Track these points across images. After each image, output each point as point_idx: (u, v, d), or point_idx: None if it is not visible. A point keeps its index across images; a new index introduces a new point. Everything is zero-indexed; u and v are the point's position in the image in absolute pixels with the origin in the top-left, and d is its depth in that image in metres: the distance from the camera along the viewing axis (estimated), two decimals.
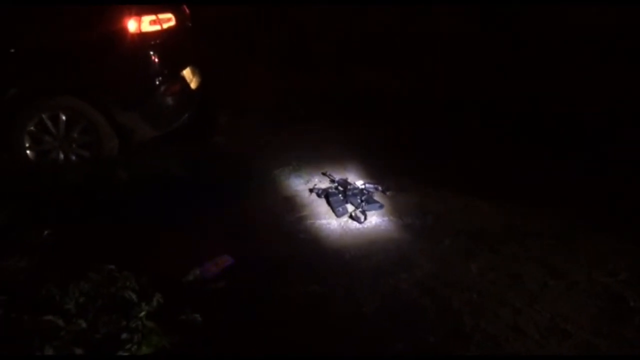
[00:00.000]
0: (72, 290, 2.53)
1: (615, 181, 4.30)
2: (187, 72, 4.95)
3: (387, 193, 4.00)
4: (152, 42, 4.29)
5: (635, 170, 4.39)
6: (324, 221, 3.64)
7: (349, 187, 3.98)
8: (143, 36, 4.19)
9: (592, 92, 5.98)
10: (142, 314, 2.46)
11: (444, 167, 4.63)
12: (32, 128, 4.13)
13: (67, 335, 2.23)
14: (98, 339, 2.27)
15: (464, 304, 2.75)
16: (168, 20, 4.57)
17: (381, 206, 3.77)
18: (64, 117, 4.16)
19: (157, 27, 4.33)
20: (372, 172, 4.39)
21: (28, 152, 4.18)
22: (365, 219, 3.62)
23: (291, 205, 3.87)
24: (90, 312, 2.43)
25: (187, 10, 5.43)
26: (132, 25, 4.09)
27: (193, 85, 5.06)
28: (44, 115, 4.13)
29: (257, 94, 6.65)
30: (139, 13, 4.14)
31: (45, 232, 3.31)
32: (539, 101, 6.11)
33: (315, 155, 4.78)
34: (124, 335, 2.29)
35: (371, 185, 4.05)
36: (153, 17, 4.29)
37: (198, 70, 5.36)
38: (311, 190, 4.04)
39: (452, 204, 3.90)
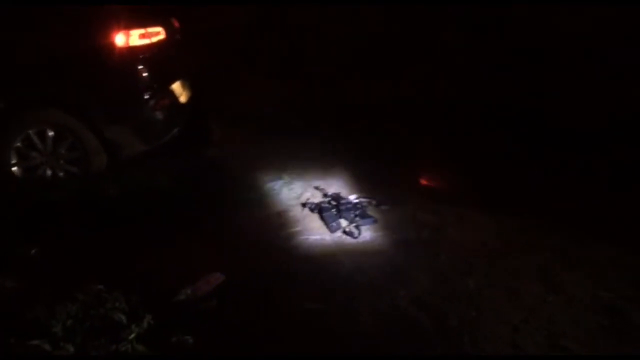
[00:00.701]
0: (60, 312, 2.47)
1: (615, 191, 4.28)
2: (176, 86, 4.91)
3: (381, 207, 3.95)
4: (141, 56, 4.23)
5: (635, 179, 4.39)
6: (317, 237, 3.58)
7: (342, 201, 3.94)
8: (132, 50, 4.14)
9: (590, 100, 5.99)
10: (132, 336, 2.40)
11: (440, 179, 4.60)
12: (18, 144, 4.06)
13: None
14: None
15: (462, 321, 2.70)
16: (157, 34, 4.53)
17: (375, 220, 3.72)
18: (51, 133, 4.09)
19: (146, 41, 4.29)
20: (365, 185, 4.35)
21: (15, 168, 4.10)
22: (359, 233, 3.57)
23: (284, 220, 3.82)
24: (79, 336, 2.36)
25: (177, 24, 5.39)
26: (120, 39, 4.03)
27: (183, 99, 5.02)
28: (30, 131, 4.06)
29: (252, 105, 6.63)
30: (128, 27, 4.09)
31: (33, 250, 3.23)
32: (535, 110, 6.11)
33: (309, 168, 4.74)
34: None
35: (365, 199, 4.01)
36: (142, 30, 4.25)
37: (188, 83, 5.32)
38: (304, 205, 3.99)
39: (448, 217, 3.86)
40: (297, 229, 3.70)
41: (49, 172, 4.17)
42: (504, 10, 7.34)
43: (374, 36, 8.18)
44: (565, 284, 3.05)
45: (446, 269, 3.20)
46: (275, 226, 3.73)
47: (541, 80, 6.50)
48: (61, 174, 4.20)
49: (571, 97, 6.09)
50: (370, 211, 3.88)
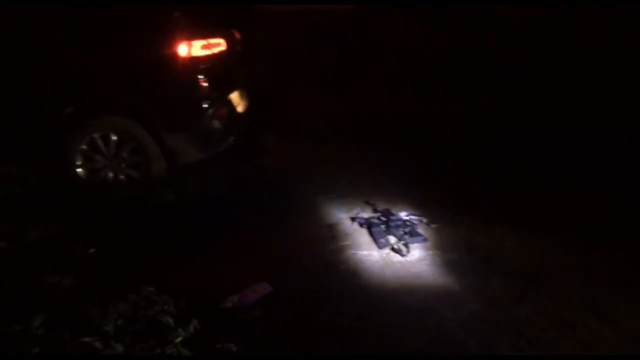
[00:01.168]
0: (112, 311, 2.54)
1: None
2: (234, 96, 5.01)
3: (432, 226, 3.87)
4: (202, 66, 4.34)
5: None
6: (365, 252, 3.55)
7: (391, 217, 3.88)
8: (193, 60, 4.25)
9: None
10: (178, 340, 2.44)
11: (495, 200, 4.44)
12: (84, 147, 4.24)
13: (103, 359, 2.22)
14: None
15: (512, 351, 2.59)
16: (218, 45, 4.64)
17: (425, 239, 3.65)
18: (114, 137, 4.25)
19: (207, 52, 4.40)
20: (416, 203, 4.27)
21: (79, 169, 4.29)
22: (408, 252, 3.51)
23: (333, 234, 3.80)
24: (128, 336, 2.42)
25: (238, 35, 5.51)
26: (183, 49, 4.15)
27: (240, 108, 5.12)
28: (95, 135, 4.23)
29: (306, 117, 6.68)
30: (191, 37, 4.21)
31: (91, 250, 3.35)
32: (594, 128, 5.86)
33: (360, 183, 4.71)
34: None
35: (415, 217, 3.94)
36: (204, 41, 4.36)
37: (246, 93, 5.41)
38: (353, 219, 3.97)
39: (504, 240, 3.72)
40: (346, 243, 3.67)
41: (110, 175, 4.34)
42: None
43: (436, 51, 8.12)
44: (628, 318, 2.87)
45: (498, 294, 3.08)
46: (323, 239, 3.72)
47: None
48: (122, 177, 4.35)
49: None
50: (421, 229, 3.80)
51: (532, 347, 2.62)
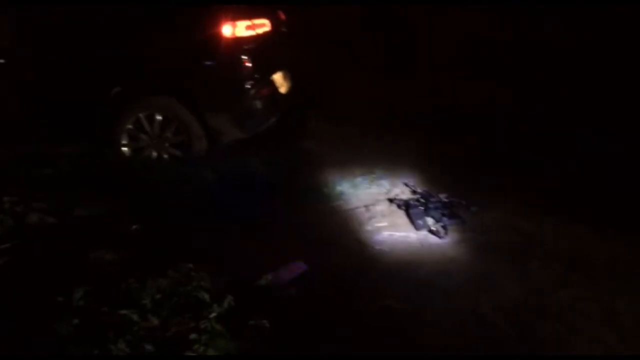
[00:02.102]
0: (150, 285, 2.59)
1: None
2: (278, 77, 4.98)
3: (472, 208, 3.76)
4: (246, 47, 4.34)
5: None
6: (402, 233, 3.49)
7: (430, 199, 3.80)
8: (237, 41, 4.26)
9: None
10: (213, 315, 2.46)
11: (538, 185, 4.25)
12: (130, 126, 4.33)
13: (139, 330, 2.27)
14: (168, 337, 2.29)
15: (549, 334, 2.50)
16: (263, 25, 4.63)
17: (464, 221, 3.56)
18: (159, 117, 4.32)
19: (251, 32, 4.39)
20: (457, 186, 4.14)
21: (125, 148, 4.39)
22: (445, 234, 3.43)
23: (370, 214, 3.76)
24: (165, 309, 2.47)
25: (283, 16, 5.47)
26: (227, 30, 4.16)
27: (283, 89, 5.09)
28: (141, 115, 4.31)
29: (350, 101, 6.57)
30: (235, 18, 4.21)
31: (134, 227, 3.43)
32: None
33: (400, 166, 4.62)
34: (193, 336, 2.28)
35: (454, 199, 3.83)
36: (248, 22, 4.35)
37: (290, 75, 5.38)
38: (391, 200, 3.91)
39: (545, 224, 3.58)
40: (383, 224, 3.62)
41: (154, 154, 4.42)
42: None
43: (494, 41, 7.78)
44: None
45: (537, 279, 2.97)
46: (361, 220, 3.69)
47: None
48: (165, 156, 4.43)
49: None
50: (460, 212, 3.70)
51: (572, 332, 2.52)
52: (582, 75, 6.48)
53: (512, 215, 3.71)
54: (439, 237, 3.41)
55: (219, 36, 4.15)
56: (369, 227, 3.58)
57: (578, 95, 6.16)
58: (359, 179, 4.35)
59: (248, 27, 4.35)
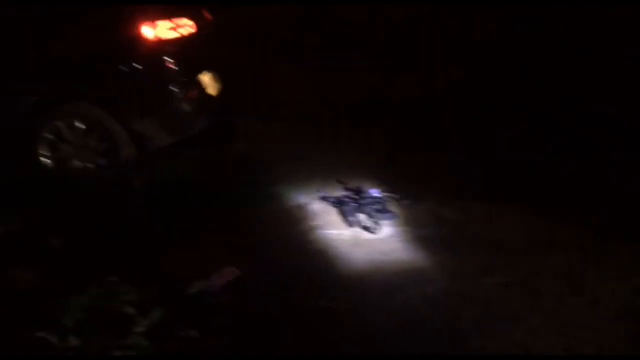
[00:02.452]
0: (72, 304, 2.49)
1: None
2: (206, 79, 4.88)
3: (403, 202, 3.84)
4: (169, 49, 4.23)
5: None
6: (335, 231, 3.51)
7: (363, 195, 3.84)
8: (160, 42, 4.14)
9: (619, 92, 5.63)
10: (139, 330, 2.39)
11: (467, 173, 4.38)
12: (49, 136, 4.13)
13: (59, 353, 2.17)
14: (90, 357, 2.20)
15: (475, 322, 2.57)
16: (187, 26, 4.50)
17: (396, 216, 3.62)
18: (80, 125, 4.14)
19: (174, 34, 4.28)
20: (389, 180, 4.20)
21: (45, 159, 4.17)
22: (378, 229, 3.48)
23: (303, 214, 3.77)
24: (87, 328, 2.37)
25: (210, 16, 5.36)
26: (148, 31, 4.04)
27: (213, 91, 4.99)
28: (61, 123, 4.12)
29: (283, 100, 6.54)
30: (156, 19, 4.10)
31: (56, 241, 3.28)
32: (562, 101, 5.80)
33: (333, 162, 4.64)
34: (117, 353, 2.21)
35: (387, 194, 3.89)
36: (170, 23, 4.24)
37: (220, 76, 5.29)
38: (324, 199, 3.92)
39: (472, 213, 3.71)
40: (316, 223, 3.64)
41: (77, 164, 4.23)
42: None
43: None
44: (590, 285, 2.86)
45: (465, 267, 3.06)
46: (294, 220, 3.69)
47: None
48: (90, 165, 4.25)
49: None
50: (392, 206, 3.76)
51: (496, 317, 2.61)
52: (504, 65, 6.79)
53: (442, 206, 3.81)
54: (372, 233, 3.45)
55: (139, 38, 4.03)
56: (302, 228, 3.58)
57: (505, 82, 6.42)
58: (292, 179, 4.33)
59: (171, 28, 4.24)
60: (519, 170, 4.44)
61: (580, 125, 5.26)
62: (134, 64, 4.11)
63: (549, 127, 5.34)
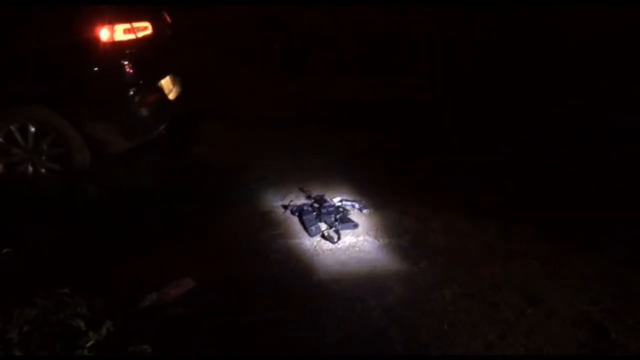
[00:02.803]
0: (17, 317, 2.40)
1: (608, 194, 4.17)
2: (165, 82, 4.83)
3: (364, 211, 3.86)
4: (127, 52, 4.19)
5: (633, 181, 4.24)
6: (296, 241, 3.50)
7: (324, 204, 3.83)
8: (116, 45, 4.08)
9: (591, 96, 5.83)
10: (89, 344, 2.33)
11: (427, 182, 4.48)
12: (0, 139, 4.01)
13: None
14: None
15: (433, 335, 2.59)
16: (144, 28, 4.46)
17: (356, 225, 3.62)
18: (33, 129, 4.04)
19: (131, 36, 4.22)
20: (352, 188, 4.25)
21: None
22: (338, 239, 3.48)
23: (264, 223, 3.74)
24: (34, 342, 2.30)
25: (168, 18, 5.31)
26: (104, 34, 3.97)
27: (172, 95, 4.94)
28: (12, 127, 4.01)
29: (245, 103, 6.52)
30: (112, 21, 4.03)
31: (4, 250, 3.18)
32: (529, 107, 5.97)
33: (297, 169, 4.64)
34: None
35: (348, 202, 3.91)
36: (127, 25, 4.17)
37: (179, 79, 5.24)
38: (285, 207, 3.90)
39: (432, 222, 3.74)
40: (277, 232, 3.61)
41: (30, 169, 4.12)
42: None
43: (381, 36, 8.05)
44: (547, 295, 2.92)
45: (424, 278, 3.08)
46: (254, 229, 3.65)
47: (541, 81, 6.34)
48: (43, 170, 4.14)
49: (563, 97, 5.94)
50: (353, 215, 3.78)
51: (454, 329, 2.63)
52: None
53: (402, 215, 3.83)
54: (332, 242, 3.44)
55: (95, 40, 3.95)
56: (262, 236, 3.55)
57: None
58: (253, 186, 4.31)
59: (127, 31, 4.18)
60: (478, 177, 4.52)
61: (537, 131, 5.42)
62: (90, 66, 4.04)
63: (511, 134, 5.48)
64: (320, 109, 6.49)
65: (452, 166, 4.81)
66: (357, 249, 3.40)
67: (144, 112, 4.34)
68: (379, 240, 3.49)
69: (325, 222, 3.65)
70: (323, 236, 3.51)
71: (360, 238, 3.52)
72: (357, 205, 3.90)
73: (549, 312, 2.80)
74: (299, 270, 3.17)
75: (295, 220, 3.77)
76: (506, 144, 5.30)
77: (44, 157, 4.13)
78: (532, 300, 2.89)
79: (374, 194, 4.14)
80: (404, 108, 6.46)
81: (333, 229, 3.58)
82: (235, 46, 8.17)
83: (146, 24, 4.48)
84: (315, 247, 3.43)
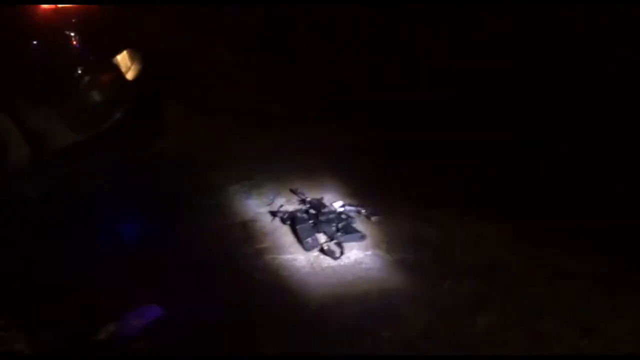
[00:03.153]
0: None
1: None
2: (122, 58, 4.77)
3: (372, 218, 3.84)
4: (73, 20, 4.12)
5: None
6: (288, 256, 3.48)
7: (323, 210, 3.83)
8: (59, 12, 4.03)
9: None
10: None
11: (445, 184, 4.43)
12: None
13: None
14: None
15: None
16: None
17: (363, 236, 3.61)
18: None
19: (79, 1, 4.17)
20: (354, 190, 4.24)
21: None
22: (341, 253, 3.47)
23: (248, 234, 3.73)
24: None
25: None
26: None
27: (131, 74, 4.89)
28: None
29: (223, 89, 6.48)
30: None
31: None
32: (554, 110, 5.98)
33: (286, 168, 4.62)
34: None
35: (352, 208, 3.90)
36: None
37: (139, 55, 5.18)
38: (274, 214, 3.89)
39: (455, 232, 3.73)
40: (264, 245, 3.60)
41: None
42: None
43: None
44: (604, 322, 2.89)
45: (449, 302, 3.07)
46: (236, 241, 3.64)
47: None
48: None
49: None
50: (358, 224, 3.76)
51: None
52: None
53: (419, 223, 3.81)
54: (334, 258, 3.43)
55: (33, 7, 3.90)
56: (247, 251, 3.54)
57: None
58: (234, 187, 4.30)
59: None
60: (509, 180, 4.50)
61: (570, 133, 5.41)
62: (26, 39, 3.97)
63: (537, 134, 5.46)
64: (310, 97, 6.44)
65: (473, 168, 4.76)
66: (364, 266, 3.39)
67: (96, 95, 4.33)
68: (392, 255, 3.48)
69: (325, 233, 3.64)
70: (322, 250, 3.50)
71: (369, 252, 3.51)
72: (363, 211, 3.88)
73: (608, 343, 2.77)
74: (292, 293, 3.15)
75: (286, 230, 3.76)
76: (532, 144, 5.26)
77: None
78: (586, 330, 2.85)
79: (382, 197, 4.13)
80: (409, 104, 6.45)
81: (334, 241, 3.57)
82: (205, 19, 8.15)
83: None
84: (312, 264, 3.41)
